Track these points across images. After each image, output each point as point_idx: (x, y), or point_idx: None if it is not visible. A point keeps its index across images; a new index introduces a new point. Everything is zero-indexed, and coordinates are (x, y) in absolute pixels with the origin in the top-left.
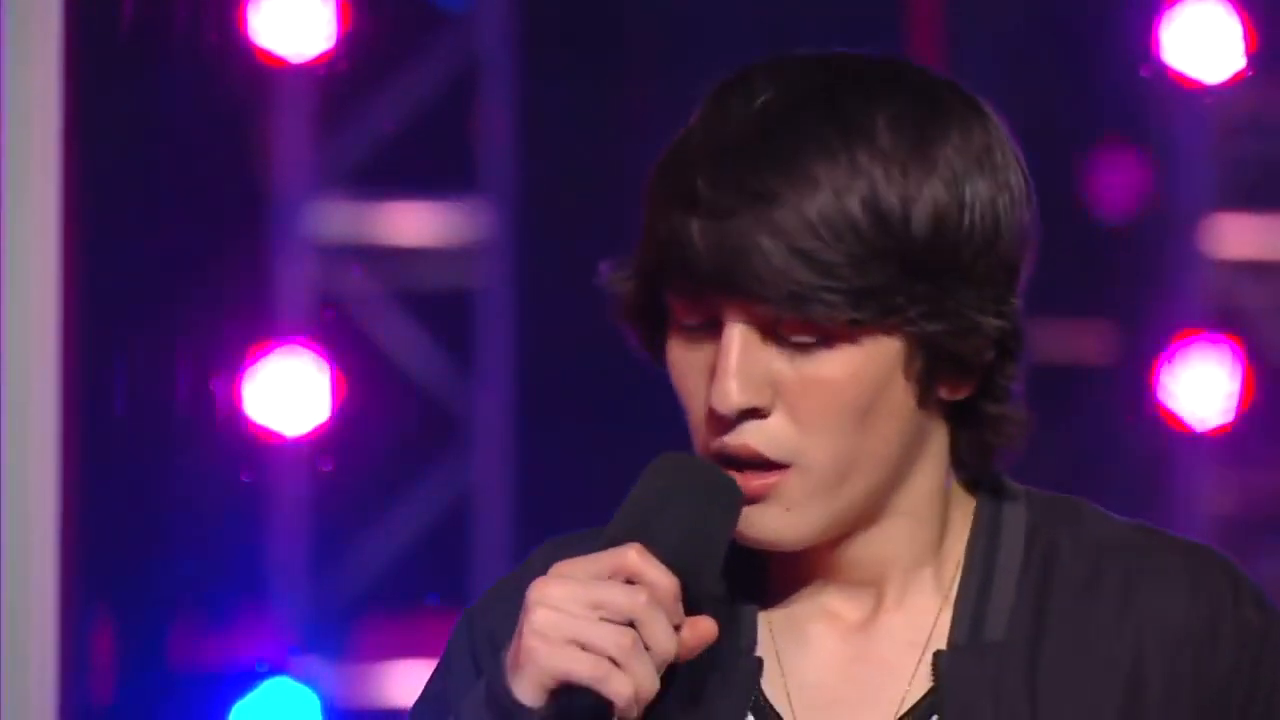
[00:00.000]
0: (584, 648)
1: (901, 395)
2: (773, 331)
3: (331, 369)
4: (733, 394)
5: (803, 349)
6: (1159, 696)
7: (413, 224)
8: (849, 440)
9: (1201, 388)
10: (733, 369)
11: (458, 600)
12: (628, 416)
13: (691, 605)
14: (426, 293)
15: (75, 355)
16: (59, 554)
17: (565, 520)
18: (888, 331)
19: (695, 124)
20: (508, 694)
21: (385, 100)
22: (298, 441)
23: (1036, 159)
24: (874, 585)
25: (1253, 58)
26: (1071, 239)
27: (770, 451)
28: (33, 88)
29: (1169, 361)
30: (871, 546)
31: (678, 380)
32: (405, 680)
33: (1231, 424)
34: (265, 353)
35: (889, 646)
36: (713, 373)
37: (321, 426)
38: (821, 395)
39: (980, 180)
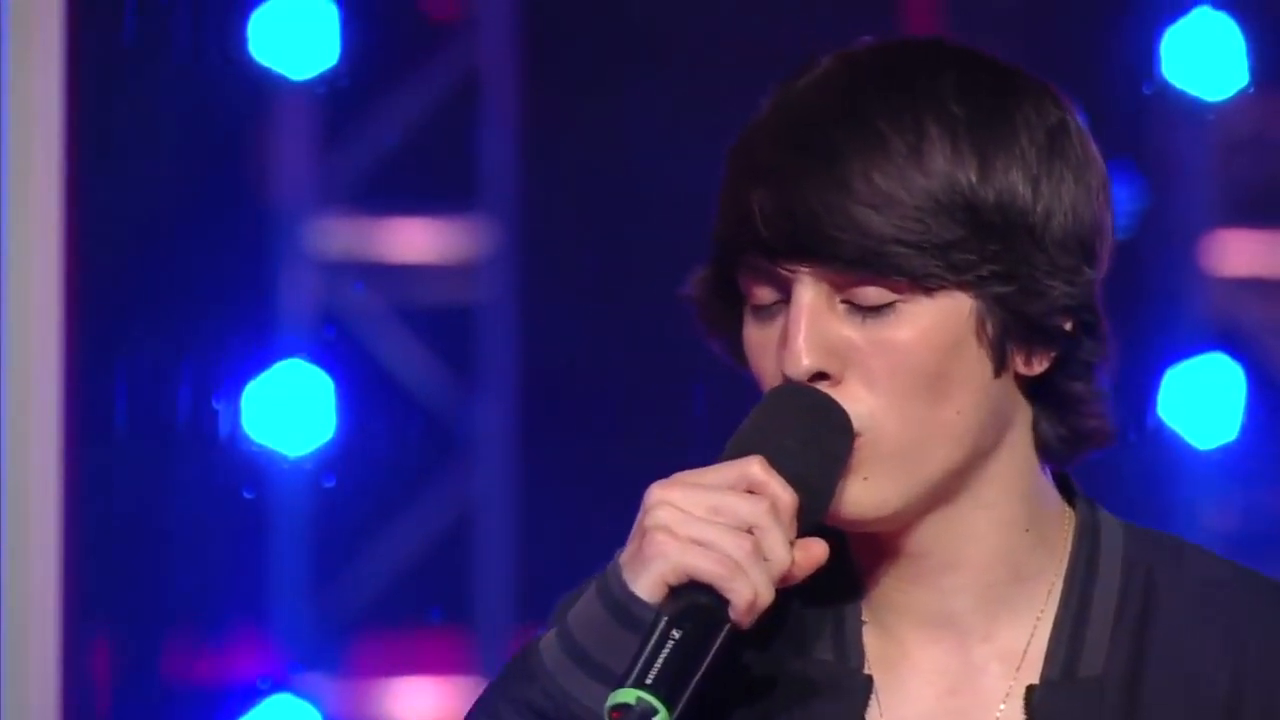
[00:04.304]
0: (704, 548)
1: (975, 363)
2: (843, 297)
3: (333, 385)
4: (802, 357)
5: (873, 313)
6: None
7: (414, 240)
8: (922, 407)
9: (1202, 405)
10: (802, 333)
11: (458, 617)
12: (629, 432)
13: (803, 531)
14: (428, 309)
15: (77, 371)
16: (60, 569)
17: (567, 536)
18: (959, 290)
19: (762, 108)
20: (624, 589)
21: (386, 116)
22: (299, 458)
23: None
24: (963, 592)
25: (1254, 75)
26: None
27: None
28: (34, 105)
29: (1170, 379)
30: (955, 538)
31: (754, 362)
32: (406, 697)
33: (1232, 441)
34: (266, 369)
35: (981, 677)
36: (784, 344)
37: (323, 443)
38: (892, 358)
39: (1052, 153)
